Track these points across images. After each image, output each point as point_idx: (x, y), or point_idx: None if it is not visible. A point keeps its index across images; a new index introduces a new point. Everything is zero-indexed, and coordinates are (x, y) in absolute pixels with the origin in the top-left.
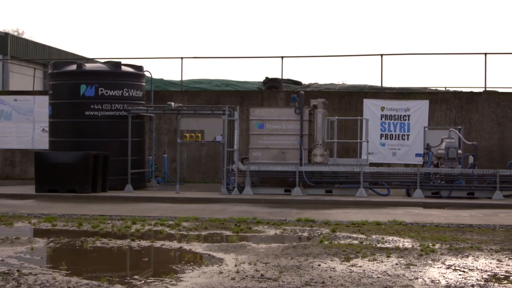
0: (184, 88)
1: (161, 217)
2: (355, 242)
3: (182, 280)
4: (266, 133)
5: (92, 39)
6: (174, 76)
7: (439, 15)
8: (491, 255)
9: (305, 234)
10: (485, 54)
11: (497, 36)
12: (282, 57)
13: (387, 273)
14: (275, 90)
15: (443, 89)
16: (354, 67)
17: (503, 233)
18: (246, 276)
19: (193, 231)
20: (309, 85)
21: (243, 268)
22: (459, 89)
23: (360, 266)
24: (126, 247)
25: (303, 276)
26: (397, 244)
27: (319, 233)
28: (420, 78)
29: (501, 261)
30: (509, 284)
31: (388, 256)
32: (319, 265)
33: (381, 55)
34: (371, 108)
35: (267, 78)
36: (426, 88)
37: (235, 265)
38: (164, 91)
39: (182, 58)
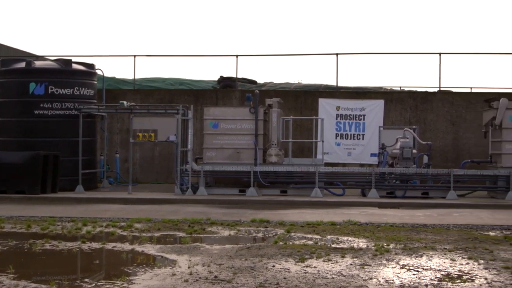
0: (137, 86)
1: (113, 219)
2: (310, 242)
3: (134, 283)
4: (221, 132)
5: (42, 36)
6: (127, 75)
7: (394, 14)
8: (445, 254)
9: (260, 235)
10: (440, 54)
11: (451, 36)
12: (237, 56)
13: (342, 274)
14: (229, 89)
15: (398, 88)
16: (309, 66)
17: (457, 232)
18: (200, 278)
19: (145, 232)
20: (264, 84)
21: (197, 269)
22: (414, 89)
23: (314, 267)
24: (77, 250)
25: (257, 277)
26: (352, 244)
27: (274, 234)
28: (375, 77)
29: (455, 261)
30: (462, 283)
31: (343, 257)
32: (273, 266)
33: (337, 54)
34: (326, 107)
35: (221, 77)
36: (381, 87)
37: (189, 267)
38: (117, 90)
39: (135, 56)
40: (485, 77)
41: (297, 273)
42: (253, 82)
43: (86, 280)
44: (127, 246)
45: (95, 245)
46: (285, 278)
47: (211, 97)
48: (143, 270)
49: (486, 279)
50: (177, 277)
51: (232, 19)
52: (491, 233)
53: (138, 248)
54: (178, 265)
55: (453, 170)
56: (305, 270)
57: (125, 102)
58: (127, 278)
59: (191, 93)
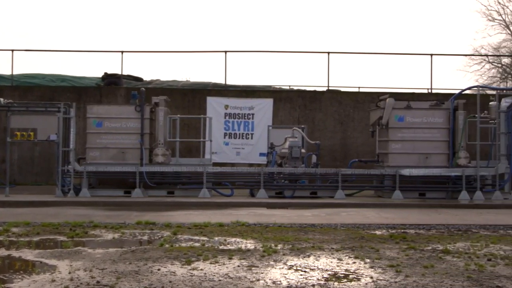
0: (15, 83)
1: None
2: (197, 244)
3: None
4: (105, 131)
5: None
6: (4, 70)
7: (284, 13)
8: (332, 254)
9: (145, 237)
10: (328, 53)
11: (339, 35)
12: (122, 52)
13: (229, 276)
14: (114, 87)
15: (288, 87)
16: (198, 64)
17: (344, 232)
18: (81, 283)
19: (23, 237)
20: (151, 82)
21: (78, 275)
22: (303, 88)
23: (201, 269)
24: None
25: (141, 281)
26: (239, 246)
27: (160, 236)
28: (264, 76)
29: (342, 260)
30: (348, 283)
31: (230, 258)
32: (159, 269)
33: (225, 52)
34: (214, 106)
35: (106, 73)
36: (270, 86)
37: (69, 272)
38: None
39: (12, 50)
40: (372, 77)
41: (183, 276)
42: (139, 79)
43: None
44: (3, 252)
45: None
46: (170, 281)
47: (95, 94)
48: (20, 277)
49: (371, 277)
50: (57, 283)
51: (117, 14)
52: (378, 232)
53: (15, 253)
54: (58, 271)
55: (341, 170)
56: (192, 273)
57: (1, 99)
58: (2, 286)
59: (74, 90)
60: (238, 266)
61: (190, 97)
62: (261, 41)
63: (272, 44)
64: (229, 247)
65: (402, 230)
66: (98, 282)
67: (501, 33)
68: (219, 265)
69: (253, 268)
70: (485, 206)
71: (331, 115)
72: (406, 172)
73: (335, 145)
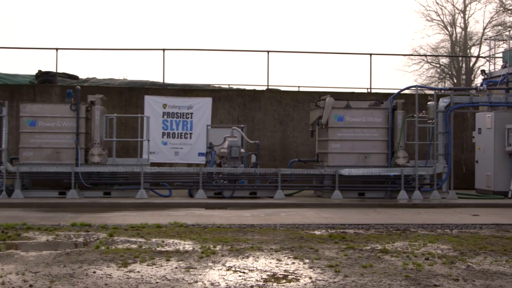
0: None
1: None
2: (134, 246)
3: None
4: (39, 131)
5: None
6: None
7: (223, 11)
8: (271, 254)
9: (81, 239)
10: (268, 52)
11: (279, 34)
12: (56, 49)
13: (166, 278)
14: (49, 85)
15: (227, 86)
16: (135, 62)
17: (284, 232)
18: (13, 287)
19: None
20: (87, 80)
21: (10, 279)
22: (242, 87)
23: (138, 272)
24: None
25: (76, 284)
26: (177, 247)
27: (96, 238)
28: (203, 75)
29: (281, 261)
30: (287, 283)
31: (168, 260)
32: (94, 272)
33: (163, 50)
34: (152, 105)
35: (40, 71)
36: (209, 85)
37: (1, 276)
38: None
39: None
40: (313, 76)
41: (119, 278)
42: (74, 77)
43: None
44: None
45: None
46: (106, 284)
47: (29, 93)
48: None
49: (310, 278)
50: None
51: (52, 10)
52: (317, 232)
53: None
54: None
55: (280, 170)
56: (128, 275)
57: None
58: None
59: (6, 88)
60: (176, 267)
61: (127, 96)
62: (200, 39)
63: (212, 42)
64: (167, 248)
65: (342, 230)
66: (31, 286)
67: (439, 33)
68: (156, 267)
69: (191, 270)
70: (423, 205)
71: (271, 114)
72: (345, 172)
73: (274, 144)
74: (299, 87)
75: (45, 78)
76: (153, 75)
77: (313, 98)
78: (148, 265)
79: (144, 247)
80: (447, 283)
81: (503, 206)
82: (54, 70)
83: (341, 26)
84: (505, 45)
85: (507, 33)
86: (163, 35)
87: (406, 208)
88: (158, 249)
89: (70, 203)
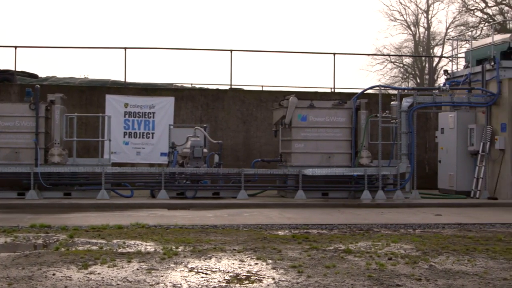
0: None
1: None
2: (95, 247)
3: None
4: None
5: None
6: None
7: (186, 10)
8: (234, 255)
9: (40, 241)
10: (231, 51)
11: (242, 33)
12: (15, 47)
13: (128, 280)
14: (7, 83)
15: (190, 86)
16: (96, 60)
17: (246, 233)
18: None
19: None
20: (47, 79)
21: None
22: (205, 87)
23: (99, 274)
24: None
25: (35, 287)
26: (139, 248)
27: (56, 240)
28: (166, 74)
29: (244, 261)
30: (250, 284)
31: (129, 261)
32: (54, 274)
33: (125, 48)
34: (114, 104)
35: None
36: (171, 84)
37: None
38: None
39: None
40: (276, 76)
41: (79, 281)
42: (34, 76)
43: None
44: None
45: None
46: (66, 287)
47: None
48: None
49: (273, 279)
50: None
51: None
52: (280, 233)
53: None
54: None
55: (243, 170)
56: (88, 278)
57: None
58: None
59: None
60: (138, 269)
61: (88, 95)
62: (163, 38)
63: (174, 41)
64: (128, 250)
65: (305, 230)
66: None
67: (402, 33)
68: (117, 269)
69: (153, 271)
70: (387, 205)
71: (234, 114)
72: (309, 171)
73: (238, 144)
74: (262, 86)
75: (4, 77)
76: (115, 74)
77: (277, 97)
78: (109, 266)
79: (105, 249)
80: (410, 283)
81: (466, 206)
82: (13, 69)
83: (305, 25)
84: (467, 45)
85: (470, 33)
86: (125, 33)
87: (370, 208)
88: (119, 250)
89: (29, 204)
